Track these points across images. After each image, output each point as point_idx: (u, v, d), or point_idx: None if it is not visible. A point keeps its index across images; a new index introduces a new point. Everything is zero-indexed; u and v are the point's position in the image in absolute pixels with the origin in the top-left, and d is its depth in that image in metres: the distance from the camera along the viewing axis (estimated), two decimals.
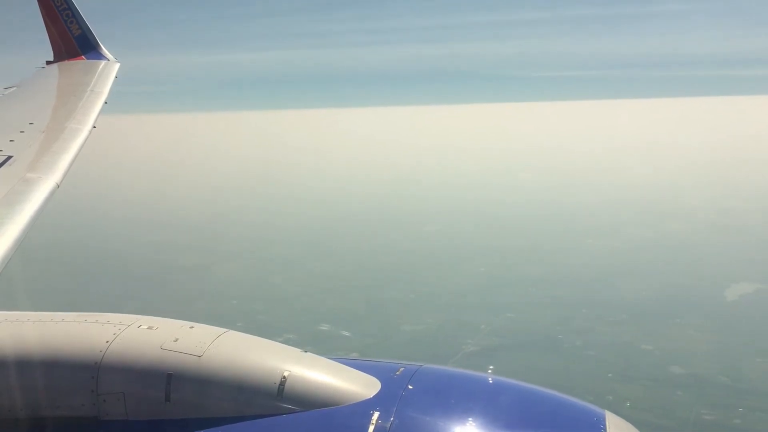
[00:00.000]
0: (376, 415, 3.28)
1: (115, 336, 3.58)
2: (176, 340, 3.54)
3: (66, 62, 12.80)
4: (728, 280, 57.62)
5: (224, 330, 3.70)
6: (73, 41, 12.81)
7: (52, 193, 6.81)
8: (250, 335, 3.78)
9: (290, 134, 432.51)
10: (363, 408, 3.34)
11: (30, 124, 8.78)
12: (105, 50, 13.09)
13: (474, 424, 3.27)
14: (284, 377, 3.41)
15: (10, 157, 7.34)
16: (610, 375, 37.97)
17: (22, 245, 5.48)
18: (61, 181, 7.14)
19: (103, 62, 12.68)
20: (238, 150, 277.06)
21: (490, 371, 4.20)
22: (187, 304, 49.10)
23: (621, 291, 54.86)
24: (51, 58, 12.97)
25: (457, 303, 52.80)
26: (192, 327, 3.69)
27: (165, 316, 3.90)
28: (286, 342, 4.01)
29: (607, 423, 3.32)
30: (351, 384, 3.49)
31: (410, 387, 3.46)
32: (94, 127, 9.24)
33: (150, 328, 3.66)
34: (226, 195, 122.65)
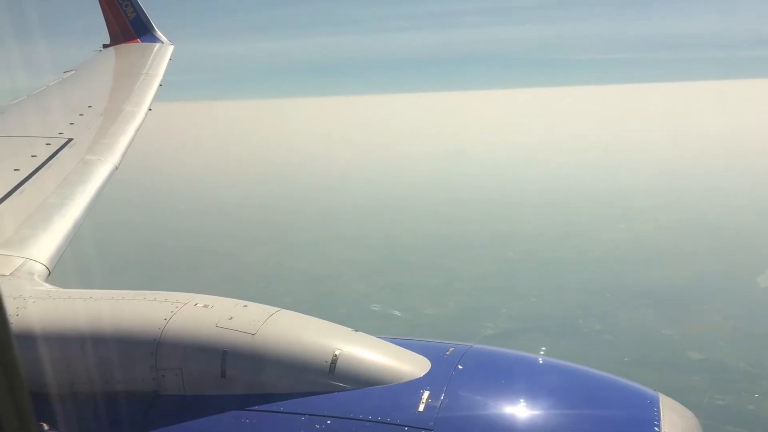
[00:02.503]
0: (426, 394, 3.30)
1: (173, 314, 3.64)
2: (231, 318, 3.58)
3: (122, 45, 13.09)
4: (764, 266, 56.12)
5: (277, 309, 3.73)
6: (128, 24, 13.09)
7: (111, 175, 7.21)
8: (302, 314, 3.81)
9: (321, 121, 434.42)
10: (413, 387, 3.37)
11: (89, 107, 9.19)
12: (159, 33, 13.31)
13: (524, 404, 3.28)
14: (336, 356, 3.44)
15: (70, 140, 7.72)
16: (626, 359, 37.87)
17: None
18: (120, 163, 7.53)
19: (157, 45, 12.96)
20: (266, 138, 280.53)
21: (542, 352, 4.26)
22: (216, 287, 50.69)
23: (648, 276, 54.15)
24: (107, 42, 13.29)
25: (481, 287, 53.02)
26: (246, 306, 3.73)
27: None
28: None
29: (660, 405, 3.29)
30: (401, 363, 3.51)
31: (460, 367, 3.48)
32: (150, 109, 9.62)
33: (205, 306, 3.70)
34: (254, 182, 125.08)
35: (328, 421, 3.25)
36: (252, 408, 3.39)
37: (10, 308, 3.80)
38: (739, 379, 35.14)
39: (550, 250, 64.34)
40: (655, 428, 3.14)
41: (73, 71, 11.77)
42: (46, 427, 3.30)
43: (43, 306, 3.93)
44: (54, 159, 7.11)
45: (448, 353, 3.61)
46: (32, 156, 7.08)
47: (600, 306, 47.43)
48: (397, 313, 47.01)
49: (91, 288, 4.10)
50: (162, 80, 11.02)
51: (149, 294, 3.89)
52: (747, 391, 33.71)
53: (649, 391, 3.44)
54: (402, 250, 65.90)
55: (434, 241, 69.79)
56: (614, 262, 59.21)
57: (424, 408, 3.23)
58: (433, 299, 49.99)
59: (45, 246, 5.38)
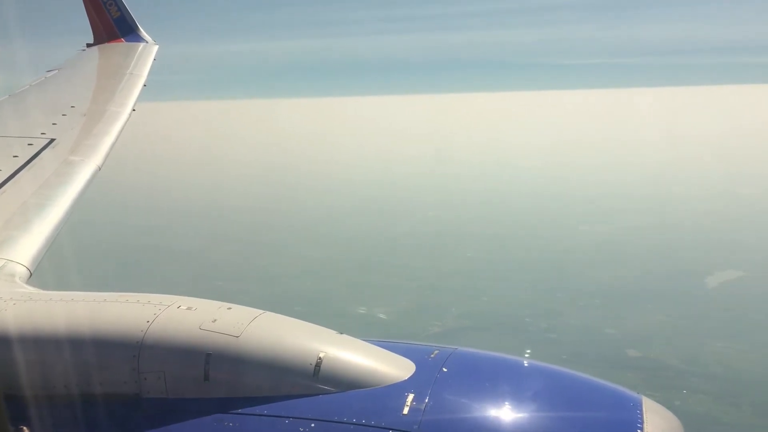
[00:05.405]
0: (410, 396, 3.30)
1: (156, 316, 3.61)
2: (214, 320, 3.56)
3: (106, 45, 12.93)
4: (714, 267, 57.11)
5: (261, 311, 3.72)
6: (112, 24, 12.93)
7: (94, 176, 7.12)
8: (286, 317, 3.80)
9: (309, 123, 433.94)
10: (398, 390, 3.37)
11: (71, 107, 9.06)
12: (144, 33, 13.20)
13: (508, 406, 3.29)
14: (320, 358, 3.43)
15: (53, 140, 7.56)
16: (564, 357, 38.29)
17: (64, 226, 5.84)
18: (103, 164, 7.43)
19: (141, 44, 12.85)
20: (252, 138, 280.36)
21: (527, 355, 4.30)
22: (173, 287, 50.54)
23: (600, 277, 54.91)
24: (91, 41, 13.15)
25: (436, 287, 53.54)
26: (230, 308, 3.71)
27: None
28: None
29: (643, 407, 3.33)
30: (386, 366, 3.52)
31: (445, 369, 3.50)
32: (134, 110, 9.55)
33: (189, 308, 3.68)
34: (237, 182, 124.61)
35: (312, 425, 3.25)
36: (235, 411, 3.37)
37: None
38: (672, 376, 35.87)
39: (511, 251, 65.08)
40: (638, 430, 3.19)
41: (56, 71, 11.67)
42: (26, 430, 3.27)
43: (25, 308, 3.90)
44: (36, 159, 7.02)
45: (432, 356, 3.63)
46: (14, 156, 6.95)
47: (549, 305, 48.10)
48: (357, 310, 47.43)
49: (72, 290, 4.07)
50: (146, 80, 11.04)
51: (132, 296, 3.88)
52: (677, 388, 34.40)
53: (633, 393, 3.51)
54: (366, 250, 66.28)
55: (400, 242, 70.19)
56: (570, 263, 59.93)
57: (409, 411, 3.23)
58: (385, 298, 50.34)
59: (26, 247, 5.32)
